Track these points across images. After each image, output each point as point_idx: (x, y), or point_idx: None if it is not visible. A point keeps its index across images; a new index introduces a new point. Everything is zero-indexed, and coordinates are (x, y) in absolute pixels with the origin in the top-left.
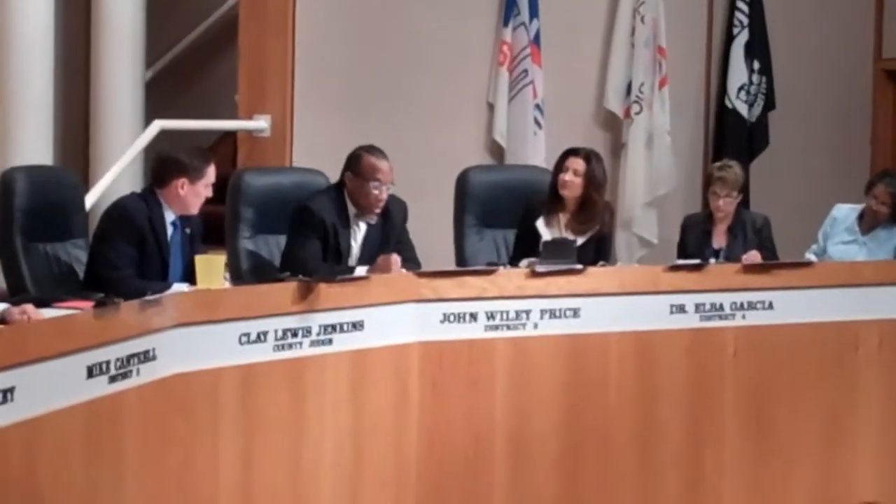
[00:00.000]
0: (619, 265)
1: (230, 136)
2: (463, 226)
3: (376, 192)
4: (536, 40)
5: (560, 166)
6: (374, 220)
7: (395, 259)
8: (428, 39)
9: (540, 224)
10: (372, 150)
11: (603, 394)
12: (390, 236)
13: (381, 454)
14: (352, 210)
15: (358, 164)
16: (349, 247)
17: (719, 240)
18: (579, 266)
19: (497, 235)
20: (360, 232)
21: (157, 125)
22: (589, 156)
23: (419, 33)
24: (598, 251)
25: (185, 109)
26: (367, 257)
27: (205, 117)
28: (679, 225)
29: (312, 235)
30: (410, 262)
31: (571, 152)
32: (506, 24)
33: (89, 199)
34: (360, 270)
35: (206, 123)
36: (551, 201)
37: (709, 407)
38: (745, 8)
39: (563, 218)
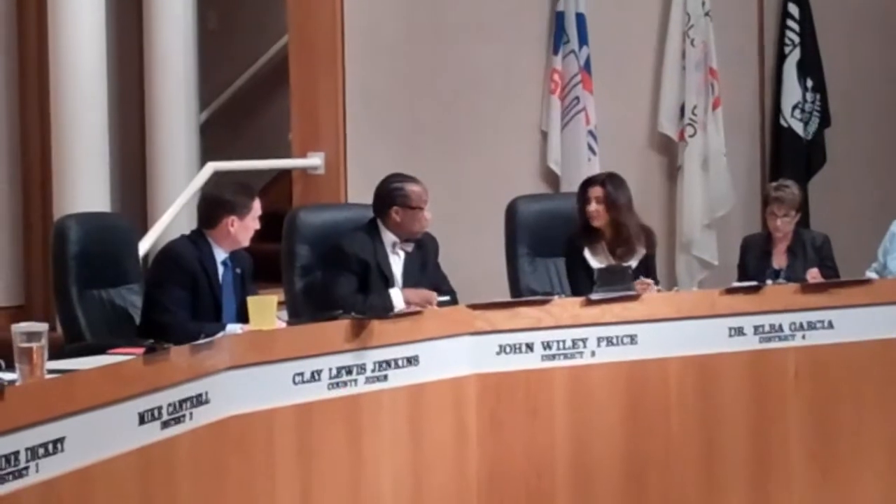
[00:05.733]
0: (675, 289)
1: (285, 174)
2: (515, 256)
3: (428, 215)
4: (587, 67)
5: (583, 199)
6: (410, 247)
7: (434, 296)
8: (478, 70)
9: (587, 254)
10: (408, 179)
11: (664, 420)
12: (427, 263)
13: (441, 489)
14: (388, 240)
15: (404, 195)
16: (392, 275)
17: (779, 260)
18: (634, 292)
19: (549, 264)
20: (399, 261)
21: (211, 167)
22: (605, 181)
23: (469, 65)
24: (646, 275)
25: (239, 150)
26: (412, 286)
27: (260, 157)
28: (739, 246)
29: (345, 272)
30: (449, 293)
31: (588, 182)
32: (555, 52)
33: (145, 243)
34: (396, 294)
35: (259, 163)
36: (588, 233)
37: (772, 429)
38: (795, 26)
39: (605, 245)
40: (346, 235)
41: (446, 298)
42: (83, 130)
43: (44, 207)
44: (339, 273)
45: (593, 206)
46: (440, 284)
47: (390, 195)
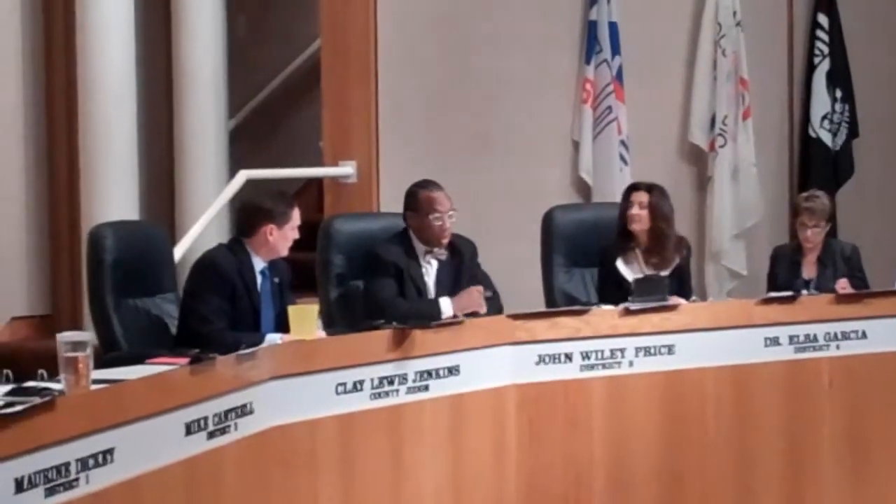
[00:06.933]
0: (710, 300)
1: (314, 182)
2: (551, 265)
3: (438, 223)
4: (619, 77)
5: (626, 202)
6: (443, 255)
7: (479, 290)
8: (510, 79)
9: (620, 264)
10: (425, 183)
11: (701, 429)
12: (462, 272)
13: (481, 498)
14: (420, 249)
15: (414, 200)
16: (424, 284)
17: (809, 270)
18: (672, 302)
19: (585, 274)
20: (432, 269)
21: (243, 175)
22: (651, 188)
23: (501, 74)
24: (679, 285)
25: (268, 157)
26: (443, 293)
27: (289, 165)
28: (767, 255)
29: (385, 278)
30: (491, 296)
31: (633, 187)
32: (588, 61)
33: (177, 252)
34: (445, 303)
35: (291, 171)
36: (623, 240)
37: (807, 438)
38: (825, 37)
39: (639, 254)
40: (380, 244)
41: (489, 294)
42: (111, 138)
43: (71, 217)
44: (380, 278)
45: (636, 210)
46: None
47: (406, 199)
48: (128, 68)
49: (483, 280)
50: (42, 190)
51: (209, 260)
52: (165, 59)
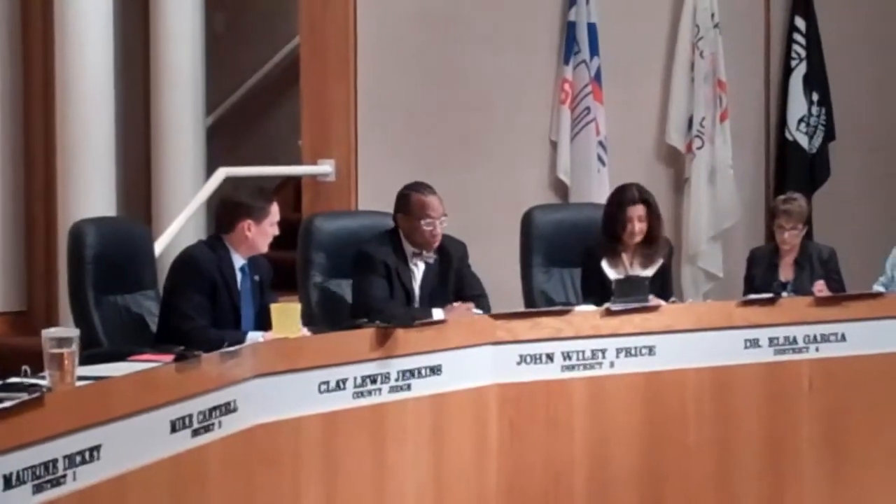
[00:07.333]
0: (690, 301)
1: (291, 180)
2: (530, 265)
3: (429, 228)
4: (597, 77)
5: (623, 217)
6: (431, 258)
7: (470, 306)
8: (489, 79)
9: (605, 265)
10: (418, 186)
11: (681, 430)
12: (448, 276)
13: (462, 497)
14: (408, 249)
15: (407, 203)
16: (412, 286)
17: (786, 272)
18: (654, 303)
19: (564, 274)
20: (418, 271)
21: (223, 172)
22: (646, 200)
23: (480, 74)
24: (662, 285)
25: (246, 155)
26: (427, 297)
27: (266, 162)
28: (743, 258)
29: (376, 277)
30: (480, 297)
31: (628, 201)
32: (566, 62)
33: (156, 249)
34: (437, 313)
35: (271, 169)
36: (611, 242)
37: (786, 440)
38: (802, 40)
39: (625, 257)
40: (369, 243)
41: (480, 313)
42: (89, 135)
43: (46, 213)
44: (371, 277)
45: (637, 226)
46: (470, 288)
47: (397, 200)
48: (106, 64)
49: (472, 281)
50: (18, 186)
51: (188, 256)
52: (143, 55)
